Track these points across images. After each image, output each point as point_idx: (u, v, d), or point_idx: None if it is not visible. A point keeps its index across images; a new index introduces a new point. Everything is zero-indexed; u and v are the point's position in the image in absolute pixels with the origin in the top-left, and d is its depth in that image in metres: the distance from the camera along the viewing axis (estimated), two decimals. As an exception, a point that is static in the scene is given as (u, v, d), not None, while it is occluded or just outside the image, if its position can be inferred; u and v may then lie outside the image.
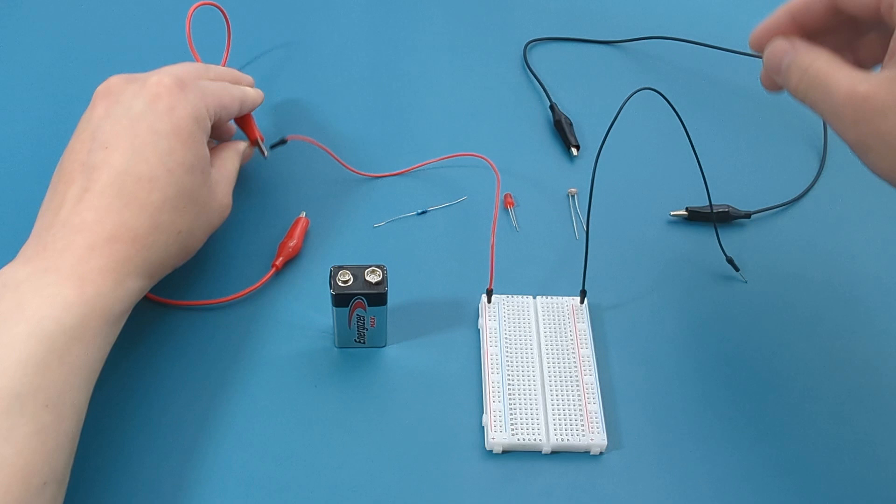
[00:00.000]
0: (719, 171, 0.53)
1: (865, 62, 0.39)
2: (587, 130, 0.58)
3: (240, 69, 0.57)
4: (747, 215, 0.53)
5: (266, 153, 0.52)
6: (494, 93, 0.60)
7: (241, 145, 0.50)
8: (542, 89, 0.60)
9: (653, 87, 0.44)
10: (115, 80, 0.44)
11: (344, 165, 0.53)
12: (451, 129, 0.57)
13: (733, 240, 0.52)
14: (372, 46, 0.63)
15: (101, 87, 0.44)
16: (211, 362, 0.45)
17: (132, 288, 0.40)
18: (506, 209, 0.53)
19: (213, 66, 0.49)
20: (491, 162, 0.50)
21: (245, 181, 0.53)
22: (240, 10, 0.62)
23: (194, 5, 0.52)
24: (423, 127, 0.57)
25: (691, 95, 0.60)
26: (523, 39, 0.64)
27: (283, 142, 0.52)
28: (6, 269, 0.39)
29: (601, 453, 0.42)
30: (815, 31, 0.39)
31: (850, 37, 0.39)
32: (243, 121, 0.51)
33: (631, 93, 0.43)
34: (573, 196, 0.54)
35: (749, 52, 0.41)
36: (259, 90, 0.51)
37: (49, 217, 0.41)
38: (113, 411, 0.43)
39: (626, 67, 0.63)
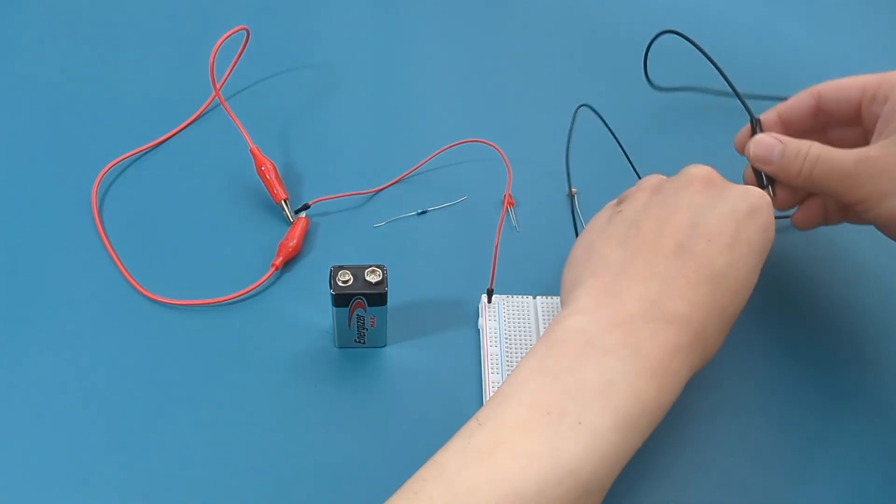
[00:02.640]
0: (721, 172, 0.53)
1: None
2: (588, 130, 0.58)
3: (246, 84, 0.57)
4: None
5: (291, 217, 0.51)
6: (495, 92, 0.60)
7: None
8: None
9: (676, 30, 0.48)
10: (713, 173, 0.41)
11: (354, 195, 0.53)
12: (452, 129, 0.57)
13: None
14: (372, 48, 0.63)
15: (699, 171, 0.41)
16: (211, 362, 0.45)
17: (676, 397, 0.37)
18: (506, 209, 0.53)
19: None
20: (501, 151, 0.50)
21: (245, 181, 0.53)
22: (237, 21, 0.62)
23: (228, 32, 0.51)
24: (423, 127, 0.57)
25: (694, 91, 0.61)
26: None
27: (306, 207, 0.51)
28: (591, 321, 0.37)
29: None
30: (799, 132, 0.46)
31: (821, 137, 0.48)
32: (271, 182, 0.51)
33: (653, 36, 0.47)
34: (574, 196, 0.54)
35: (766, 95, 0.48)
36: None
37: (634, 285, 0.38)
38: (113, 411, 0.43)
39: (627, 65, 0.63)
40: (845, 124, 0.47)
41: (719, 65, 0.51)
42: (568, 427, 0.33)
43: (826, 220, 0.47)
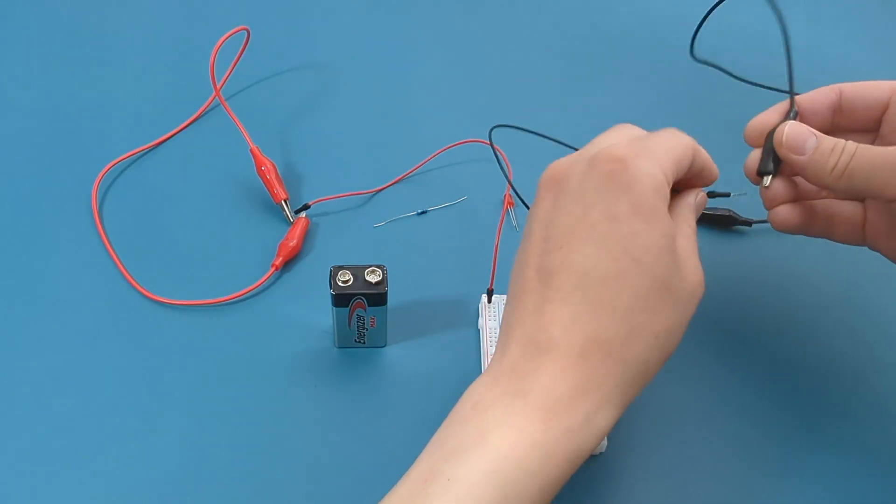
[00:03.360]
0: (723, 173, 0.53)
1: None
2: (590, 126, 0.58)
3: (246, 84, 0.57)
4: (748, 223, 0.52)
5: (291, 218, 0.51)
6: (495, 92, 0.60)
7: (694, 196, 0.40)
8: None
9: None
10: (557, 166, 0.38)
11: (354, 195, 0.53)
12: (452, 129, 0.57)
13: (732, 245, 0.52)
14: (372, 48, 0.63)
15: (543, 177, 0.38)
16: (211, 362, 0.45)
17: (601, 425, 0.34)
18: (506, 209, 0.53)
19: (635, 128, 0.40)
20: (501, 151, 0.50)
21: (245, 181, 0.53)
22: (237, 22, 0.62)
23: (228, 32, 0.51)
24: (423, 127, 0.57)
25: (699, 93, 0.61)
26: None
27: (306, 207, 0.51)
28: (479, 385, 0.35)
29: (600, 453, 0.42)
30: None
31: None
32: (271, 182, 0.51)
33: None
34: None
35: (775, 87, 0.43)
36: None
37: (513, 332, 0.35)
38: (113, 411, 0.43)
39: (627, 65, 0.63)
40: (861, 129, 0.43)
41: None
42: (440, 487, 0.32)
43: (807, 230, 0.44)
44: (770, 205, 0.43)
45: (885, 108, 0.42)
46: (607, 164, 0.35)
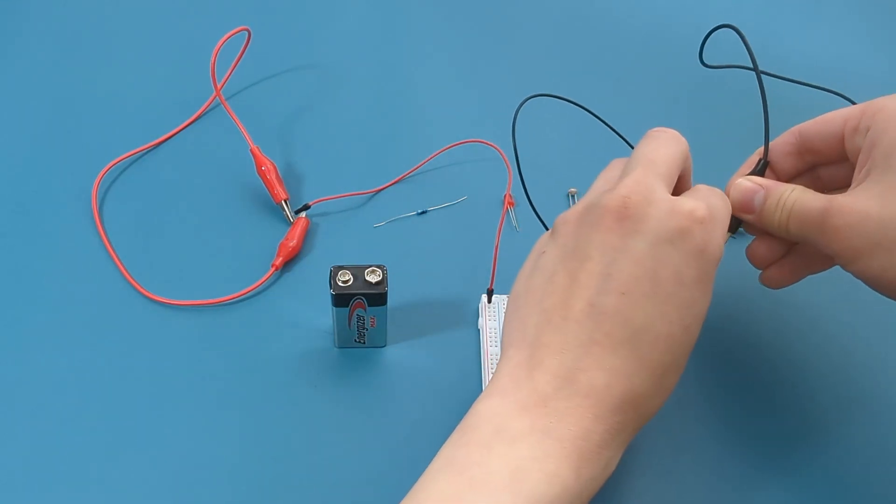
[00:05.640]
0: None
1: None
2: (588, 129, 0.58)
3: (247, 84, 0.58)
4: None
5: (291, 218, 0.51)
6: (495, 92, 0.60)
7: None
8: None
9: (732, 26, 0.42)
10: (630, 196, 0.35)
11: (354, 195, 0.53)
12: (452, 129, 0.57)
13: (732, 244, 0.52)
14: (372, 48, 0.63)
15: (612, 200, 0.35)
16: (211, 362, 0.45)
17: (613, 467, 0.34)
18: (506, 209, 0.53)
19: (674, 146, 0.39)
20: (501, 151, 0.50)
21: (245, 181, 0.53)
22: (237, 22, 0.62)
23: (229, 33, 0.51)
24: (423, 127, 0.57)
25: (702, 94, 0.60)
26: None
27: (306, 207, 0.51)
28: (500, 405, 0.34)
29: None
30: (786, 176, 0.43)
31: (811, 177, 0.43)
32: (271, 182, 0.51)
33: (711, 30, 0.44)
34: (573, 196, 0.54)
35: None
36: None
37: (543, 354, 0.34)
38: (113, 411, 0.43)
39: (628, 66, 0.63)
40: (832, 162, 0.42)
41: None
42: None
43: (802, 276, 0.43)
44: (759, 266, 0.43)
45: (841, 140, 0.40)
46: (690, 220, 0.34)
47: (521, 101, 0.49)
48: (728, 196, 0.40)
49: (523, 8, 0.67)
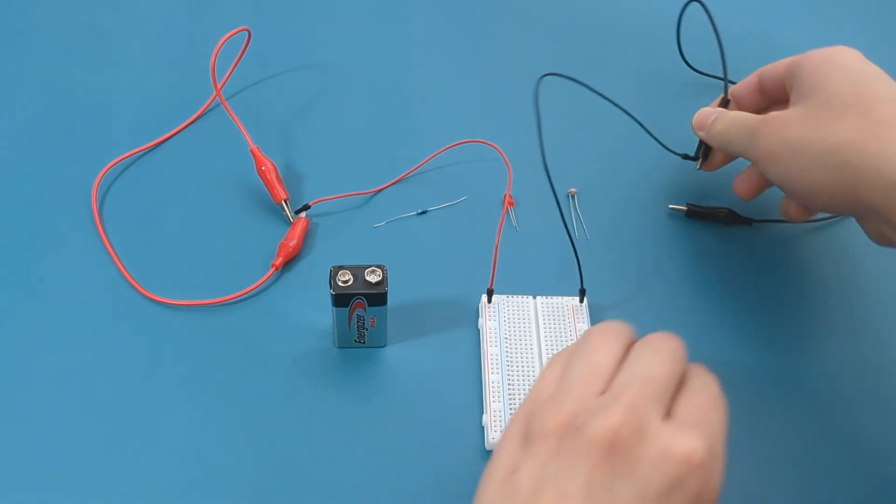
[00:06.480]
0: (725, 176, 0.53)
1: None
2: (590, 122, 0.58)
3: (247, 84, 0.58)
4: (749, 221, 0.52)
5: (292, 218, 0.51)
6: (495, 92, 0.60)
7: None
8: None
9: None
10: (620, 429, 0.31)
11: (354, 195, 0.53)
12: (452, 129, 0.57)
13: (732, 243, 0.52)
14: (372, 48, 0.63)
15: (602, 430, 0.31)
16: (211, 362, 0.45)
17: None
18: (506, 209, 0.53)
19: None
20: (501, 151, 0.50)
21: (245, 181, 0.53)
22: (239, 22, 0.62)
23: (229, 33, 0.51)
24: (423, 127, 0.57)
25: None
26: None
27: (306, 207, 0.51)
28: None
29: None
30: (750, 111, 0.49)
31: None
32: (271, 182, 0.51)
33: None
34: (573, 196, 0.54)
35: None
36: None
37: None
38: (113, 411, 0.43)
39: (624, 63, 0.63)
40: (782, 102, 0.48)
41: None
42: None
43: (764, 184, 0.49)
44: (712, 169, 0.52)
45: (783, 81, 0.47)
46: (683, 466, 0.30)
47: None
48: (692, 123, 0.50)
49: (524, 8, 0.67)
